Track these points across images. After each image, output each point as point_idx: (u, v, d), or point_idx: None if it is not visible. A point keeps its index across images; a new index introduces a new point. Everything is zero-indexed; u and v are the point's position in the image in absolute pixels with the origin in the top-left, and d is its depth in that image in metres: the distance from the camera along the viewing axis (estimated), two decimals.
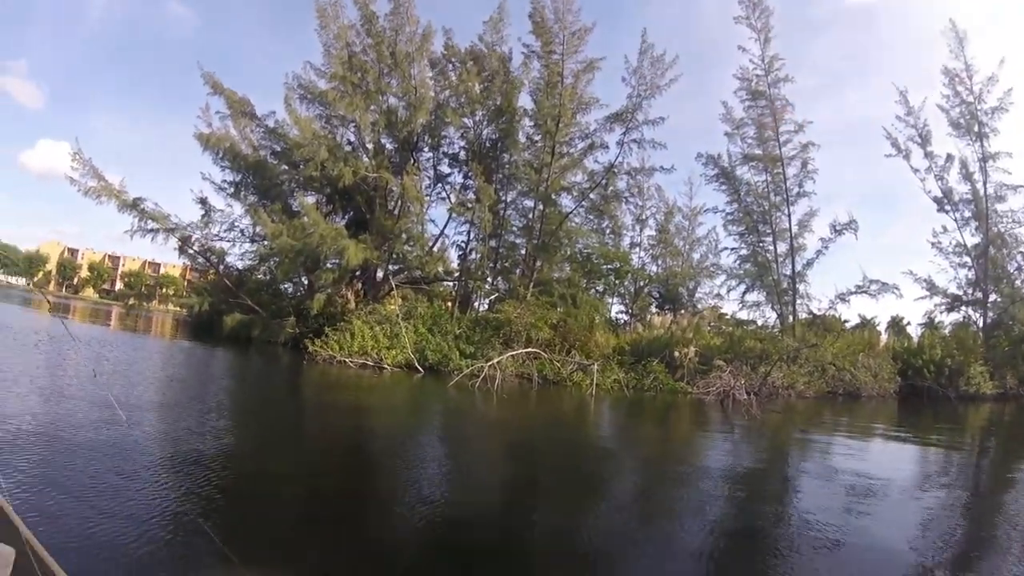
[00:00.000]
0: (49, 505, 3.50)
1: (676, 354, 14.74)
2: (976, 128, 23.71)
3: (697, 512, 5.12)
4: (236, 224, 23.67)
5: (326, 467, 5.83)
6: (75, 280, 78.93)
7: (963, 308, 24.85)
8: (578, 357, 15.53)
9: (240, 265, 24.23)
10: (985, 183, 23.90)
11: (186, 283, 41.70)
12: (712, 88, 70.61)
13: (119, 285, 73.38)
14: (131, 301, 52.90)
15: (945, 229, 24.48)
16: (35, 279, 68.68)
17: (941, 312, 24.58)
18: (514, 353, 15.29)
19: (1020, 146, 40.90)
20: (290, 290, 22.62)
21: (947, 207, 24.31)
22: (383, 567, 3.49)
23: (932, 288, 23.96)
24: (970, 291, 24.77)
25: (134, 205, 20.33)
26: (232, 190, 23.49)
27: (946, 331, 23.81)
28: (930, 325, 23.89)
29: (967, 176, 24.14)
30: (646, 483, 6.59)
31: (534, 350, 15.54)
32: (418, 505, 4.71)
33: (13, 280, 70.04)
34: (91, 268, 79.00)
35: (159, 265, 76.47)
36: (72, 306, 44.35)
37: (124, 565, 2.88)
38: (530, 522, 4.75)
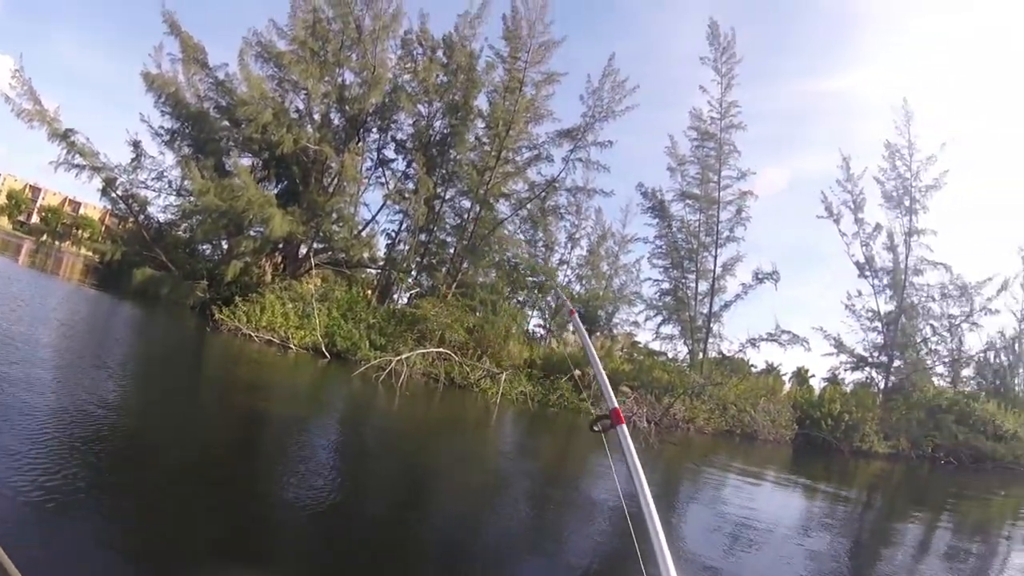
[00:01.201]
0: None
1: (583, 373, 14.83)
2: (907, 203, 25.13)
3: (565, 534, 5.06)
4: (165, 175, 22.31)
5: (203, 440, 5.52)
6: None
7: (867, 369, 26.32)
8: (488, 364, 15.39)
9: (161, 218, 22.84)
10: (907, 256, 25.36)
11: (103, 228, 38.88)
12: (662, 124, 72.96)
13: (36, 219, 67.83)
14: (44, 238, 49.14)
15: (860, 293, 25.82)
16: None
17: (846, 370, 25.96)
18: (425, 351, 14.98)
19: (945, 224, 44.05)
20: (208, 252, 21.45)
21: (867, 273, 25.71)
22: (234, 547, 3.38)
23: (840, 346, 25.26)
24: (876, 354, 26.23)
25: (65, 136, 18.96)
26: (168, 138, 22.24)
27: (848, 388, 25.16)
28: (833, 380, 25.22)
29: (891, 247, 25.60)
30: (523, 500, 6.49)
31: (446, 351, 15.29)
32: (290, 493, 4.53)
33: None
34: (10, 196, 72.56)
35: (80, 204, 71.17)
36: None
37: None
38: (393, 520, 4.64)
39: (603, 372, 1.68)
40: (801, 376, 24.61)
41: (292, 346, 15.20)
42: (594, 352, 1.88)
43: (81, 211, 70.64)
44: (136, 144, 21.63)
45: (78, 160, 19.40)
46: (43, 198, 74.17)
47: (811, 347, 22.36)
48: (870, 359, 26.15)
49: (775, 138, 72.01)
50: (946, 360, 26.69)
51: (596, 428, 1.53)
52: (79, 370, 6.84)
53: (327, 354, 15.28)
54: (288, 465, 5.49)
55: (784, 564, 5.26)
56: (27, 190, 73.93)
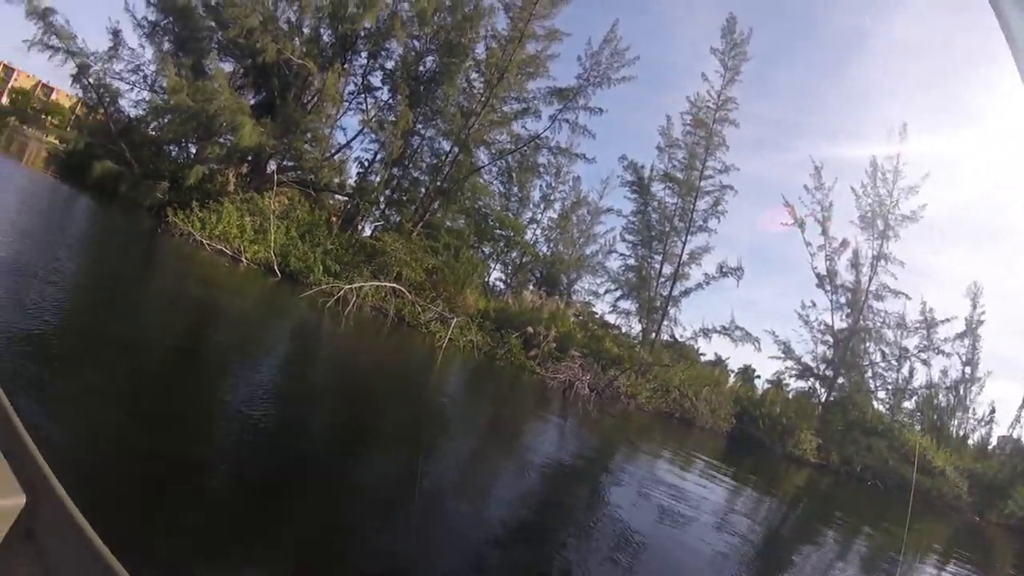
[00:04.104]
0: None
1: (534, 331, 14.87)
2: (881, 226, 25.26)
3: (491, 491, 5.03)
4: (142, 68, 21.25)
5: (139, 345, 5.33)
6: None
7: (811, 380, 27.00)
8: (442, 307, 15.25)
9: (132, 113, 21.79)
10: (871, 279, 25.56)
11: (73, 117, 37.08)
12: (654, 105, 71.85)
13: (5, 100, 64.13)
14: (12, 120, 46.57)
15: (814, 304, 26.09)
16: None
17: (791, 376, 26.52)
18: (379, 284, 14.75)
19: (912, 258, 44.89)
20: (174, 154, 20.61)
21: (826, 287, 26.04)
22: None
23: (788, 352, 25.77)
24: (822, 367, 26.89)
25: (43, 15, 17.82)
26: (150, 31, 21.12)
27: (790, 394, 25.83)
28: (777, 384, 25.80)
29: (856, 266, 25.89)
30: (455, 449, 6.44)
31: (400, 288, 15.08)
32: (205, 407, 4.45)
33: None
34: None
35: (52, 90, 67.42)
36: None
37: None
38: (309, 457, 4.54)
39: None
40: (747, 374, 25.11)
41: (244, 259, 14.81)
42: None
43: (53, 97, 67.02)
44: (116, 33, 20.46)
45: (54, 41, 18.38)
46: (15, 79, 70.13)
47: (761, 348, 22.82)
48: (816, 371, 26.74)
49: (759, 141, 71.53)
50: (889, 387, 27.40)
51: None
52: (21, 265, 6.44)
53: (279, 272, 14.95)
54: (212, 379, 5.36)
55: (686, 551, 5.30)
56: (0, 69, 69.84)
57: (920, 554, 9.80)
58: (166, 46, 20.72)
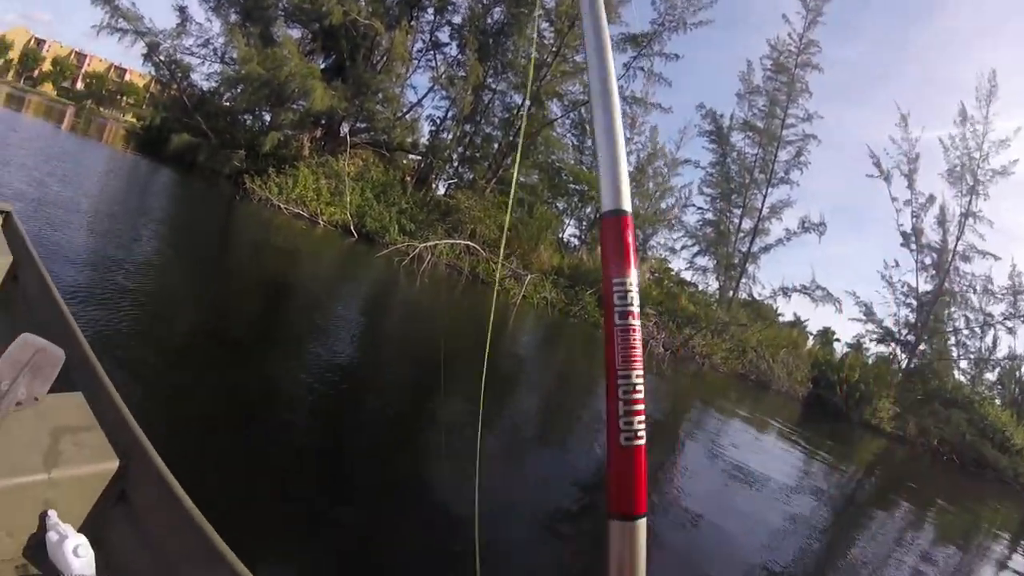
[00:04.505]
0: None
1: None
2: (970, 181, 23.43)
3: (559, 449, 4.92)
4: (211, 42, 21.82)
5: (221, 306, 5.47)
6: (35, 73, 72.55)
7: (892, 345, 25.67)
8: (516, 264, 15.18)
9: (205, 86, 22.51)
10: (958, 238, 23.90)
11: (147, 95, 38.83)
12: (734, 50, 67.84)
13: (80, 85, 67.94)
14: (88, 103, 49.39)
15: (898, 264, 24.61)
16: None
17: (871, 340, 25.27)
18: (453, 242, 14.80)
19: (1003, 215, 41.39)
20: (248, 123, 21.18)
21: (912, 246, 24.43)
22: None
23: (870, 315, 24.50)
24: (904, 332, 25.49)
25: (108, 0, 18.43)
26: (215, 4, 21.58)
27: (870, 359, 24.60)
28: (857, 348, 24.63)
29: (942, 224, 24.15)
30: (525, 406, 6.34)
31: (474, 245, 15.08)
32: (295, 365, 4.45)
33: None
34: (55, 63, 72.52)
35: (125, 71, 70.56)
36: (27, 100, 41.20)
37: None
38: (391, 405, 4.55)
39: None
40: (826, 336, 23.98)
41: (321, 221, 15.16)
42: None
43: (127, 78, 70.36)
44: (182, 9, 21.05)
45: (122, 24, 19.06)
46: (88, 64, 74.02)
47: (842, 309, 21.72)
48: (897, 335, 25.45)
49: (844, 87, 66.65)
50: (972, 356, 25.68)
51: None
52: (111, 234, 6.74)
53: (355, 233, 15.23)
54: (297, 338, 5.42)
55: (755, 520, 5.03)
56: (72, 56, 73.79)
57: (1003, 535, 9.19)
58: (232, 17, 21.05)
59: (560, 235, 21.85)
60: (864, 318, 24.46)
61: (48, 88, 69.81)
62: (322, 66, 19.64)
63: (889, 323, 25.08)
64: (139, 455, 1.23)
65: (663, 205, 27.00)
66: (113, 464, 1.23)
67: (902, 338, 25.44)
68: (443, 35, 20.25)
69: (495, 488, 3.45)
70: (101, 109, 49.48)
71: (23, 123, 16.69)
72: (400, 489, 3.20)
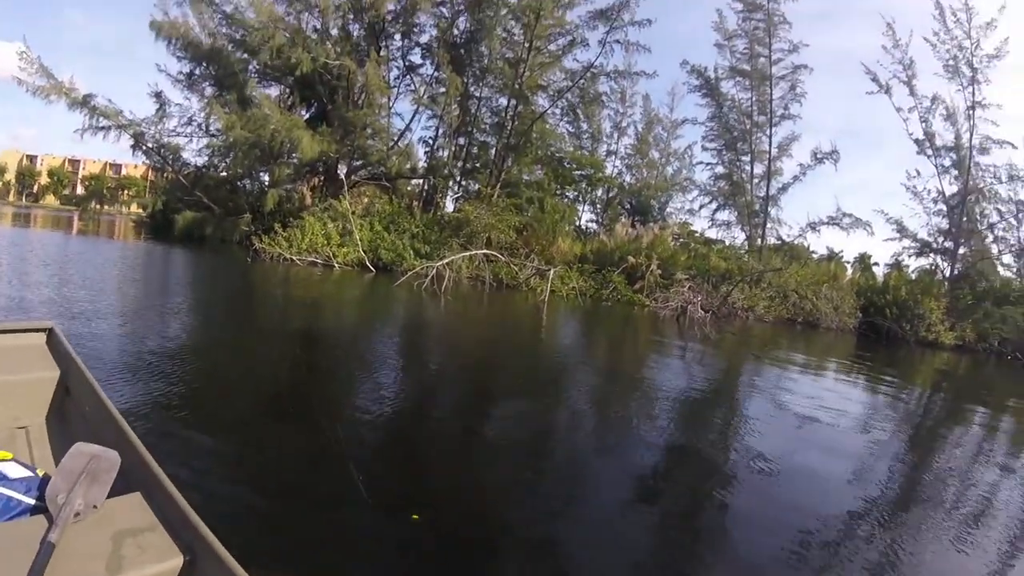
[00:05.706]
0: None
1: (635, 263, 14.33)
2: (968, 73, 22.55)
3: (633, 426, 4.80)
4: (193, 119, 22.23)
5: (268, 359, 5.53)
6: (35, 188, 75.19)
7: (932, 255, 24.73)
8: (537, 262, 15.03)
9: (198, 162, 23.00)
10: (971, 132, 22.97)
11: (147, 184, 39.84)
12: (702, 5, 66.76)
13: (80, 189, 70.13)
14: (92, 204, 50.71)
15: (919, 173, 23.74)
16: None
17: (909, 256, 24.38)
18: (469, 254, 14.72)
19: (1009, 99, 39.71)
20: (247, 186, 21.51)
21: (928, 151, 23.46)
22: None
23: (902, 231, 23.63)
24: (941, 240, 24.56)
25: (84, 102, 18.85)
26: (188, 82, 21.98)
27: (913, 275, 23.76)
28: (897, 267, 23.82)
29: (952, 121, 23.22)
30: (588, 388, 6.22)
31: (492, 253, 14.99)
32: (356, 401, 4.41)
33: None
34: (51, 174, 75.09)
35: (120, 166, 72.72)
36: (33, 215, 42.57)
37: None
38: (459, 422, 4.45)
39: None
40: (864, 262, 23.19)
41: (336, 264, 15.25)
42: None
43: (123, 172, 72.31)
44: (158, 95, 21.47)
45: (103, 122, 19.40)
46: (84, 168, 76.39)
47: (874, 232, 20.98)
48: (934, 245, 24.48)
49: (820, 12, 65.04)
50: (1013, 248, 24.64)
51: None
52: (141, 326, 6.76)
53: (372, 268, 15.28)
54: (346, 376, 5.40)
55: (838, 455, 4.81)
56: (66, 164, 76.26)
57: None
58: (208, 91, 21.51)
59: (577, 223, 21.92)
60: (898, 235, 23.63)
61: (51, 199, 72.26)
62: (305, 116, 19.89)
63: (923, 234, 24.21)
64: (203, 550, 1.20)
65: (671, 170, 26.86)
66: (178, 561, 1.20)
67: (939, 246, 24.52)
68: (415, 57, 20.35)
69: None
70: (104, 207, 50.89)
71: (33, 238, 17.06)
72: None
